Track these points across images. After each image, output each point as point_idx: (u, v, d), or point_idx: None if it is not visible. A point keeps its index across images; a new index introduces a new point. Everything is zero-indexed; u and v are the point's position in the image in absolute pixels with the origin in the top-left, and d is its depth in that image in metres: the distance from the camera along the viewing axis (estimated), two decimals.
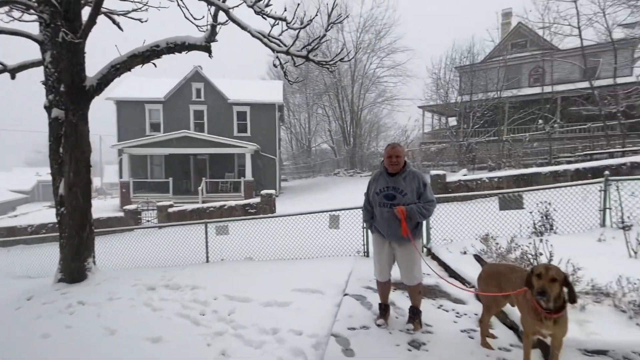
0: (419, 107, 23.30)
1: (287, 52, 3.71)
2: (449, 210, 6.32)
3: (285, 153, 38.02)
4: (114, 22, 6.00)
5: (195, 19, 4.04)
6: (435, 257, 4.96)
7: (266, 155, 19.74)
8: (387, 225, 2.93)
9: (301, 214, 6.44)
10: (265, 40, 3.80)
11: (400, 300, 3.59)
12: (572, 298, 2.01)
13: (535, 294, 2.04)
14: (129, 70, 4.71)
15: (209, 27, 4.27)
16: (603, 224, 4.72)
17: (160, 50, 4.52)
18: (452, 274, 4.30)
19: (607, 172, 4.87)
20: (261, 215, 8.29)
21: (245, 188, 17.25)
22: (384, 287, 3.18)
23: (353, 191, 15.44)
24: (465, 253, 4.56)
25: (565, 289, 2.03)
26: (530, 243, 3.70)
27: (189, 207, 12.31)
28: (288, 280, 4.64)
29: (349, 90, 27.65)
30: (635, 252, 3.53)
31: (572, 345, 2.38)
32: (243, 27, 3.78)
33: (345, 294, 3.92)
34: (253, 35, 3.78)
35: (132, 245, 7.04)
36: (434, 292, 3.85)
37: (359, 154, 27.42)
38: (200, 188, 16.82)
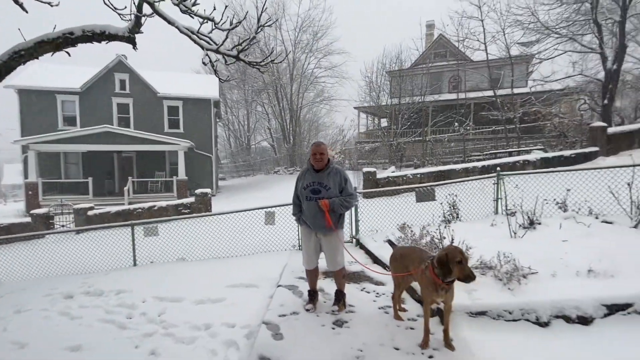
0: (355, 108, 24.46)
1: (217, 51, 3.74)
2: (377, 204, 6.90)
3: (224, 151, 36.73)
4: (15, 1, 5.32)
5: (116, 8, 3.84)
6: (362, 247, 5.43)
7: (201, 153, 18.92)
8: (313, 217, 3.19)
9: (236, 211, 6.45)
10: (194, 37, 3.78)
11: (329, 287, 3.90)
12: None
13: (457, 275, 2.41)
14: (36, 58, 4.26)
15: (132, 17, 4.08)
16: (496, 212, 5.65)
17: (75, 39, 4.15)
18: (376, 260, 4.78)
19: (498, 168, 5.83)
20: (194, 215, 8.04)
21: (178, 187, 16.36)
22: (312, 274, 3.46)
23: (293, 189, 15.65)
24: (387, 241, 5.07)
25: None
26: (436, 230, 4.31)
27: (113, 209, 11.31)
28: (223, 277, 4.66)
29: (288, 88, 27.78)
30: (515, 233, 4.35)
31: (461, 310, 2.91)
32: (170, 22, 3.71)
33: (279, 286, 4.11)
34: (181, 31, 3.73)
35: (44, 253, 6.31)
36: (359, 277, 4.26)
37: (299, 152, 27.74)
38: (126, 188, 15.49)
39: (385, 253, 4.64)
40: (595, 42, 13.72)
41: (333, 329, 2.98)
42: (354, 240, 5.78)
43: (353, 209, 5.87)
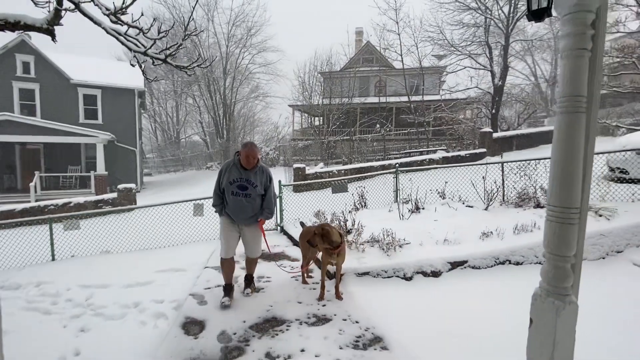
0: (289, 105, 25.09)
1: (145, 54, 4.04)
2: (304, 197, 7.69)
3: (149, 144, 34.34)
4: None
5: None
6: (285, 233, 6.14)
7: (124, 147, 17.71)
8: (239, 211, 3.41)
9: (165, 204, 6.64)
10: (121, 38, 4.03)
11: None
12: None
13: (326, 241, 3.25)
14: None
15: (51, 8, 4.14)
16: (395, 200, 6.84)
17: None
18: (295, 243, 5.52)
19: (397, 164, 7.05)
20: (126, 207, 7.87)
21: (97, 183, 15.18)
22: (229, 265, 3.55)
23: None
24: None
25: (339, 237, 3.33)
26: (344, 215, 5.21)
27: (19, 206, 10.23)
28: (151, 265, 4.94)
29: (221, 82, 27.19)
30: (403, 216, 5.47)
31: (351, 272, 3.80)
32: (97, 23, 3.89)
33: (206, 267, 4.59)
34: (108, 32, 3.93)
35: None
36: (278, 256, 4.95)
37: (234, 148, 27.41)
38: (32, 184, 13.89)
39: None
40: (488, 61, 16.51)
41: (257, 290, 3.63)
42: (279, 227, 6.46)
43: (278, 200, 6.53)
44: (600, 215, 4.75)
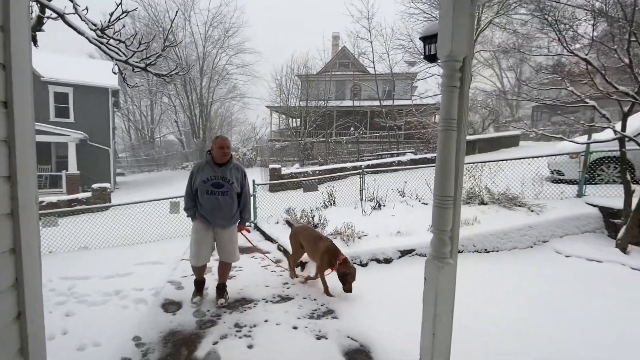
0: (267, 107, 25.37)
1: (126, 62, 4.39)
2: (278, 196, 8.16)
3: (122, 143, 33.51)
4: None
5: None
6: (258, 229, 6.58)
7: (97, 146, 17.41)
8: (216, 211, 3.18)
9: (139, 202, 6.90)
10: (103, 47, 4.36)
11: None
12: None
13: None
14: None
15: (34, 15, 4.40)
16: (362, 199, 7.43)
17: None
18: (268, 237, 5.98)
19: (363, 166, 7.65)
20: (97, 205, 8.01)
21: (69, 183, 14.91)
22: (202, 268, 3.42)
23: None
24: (277, 223, 6.33)
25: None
26: (313, 212, 5.73)
27: None
28: (130, 259, 5.25)
29: (198, 82, 27.09)
30: (365, 212, 6.05)
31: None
32: (80, 32, 4.22)
33: (182, 260, 4.96)
34: (90, 42, 4.27)
35: None
36: (251, 250, 5.38)
37: (210, 148, 27.34)
38: None
39: (275, 231, 5.89)
40: None
41: (230, 278, 4.05)
42: (253, 224, 6.88)
43: (252, 199, 6.96)
44: (532, 211, 5.52)
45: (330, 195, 7.17)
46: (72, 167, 15.21)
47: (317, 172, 12.58)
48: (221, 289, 3.45)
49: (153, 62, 4.37)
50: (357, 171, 7.93)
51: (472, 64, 1.91)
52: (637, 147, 4.59)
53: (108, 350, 2.74)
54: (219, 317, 3.06)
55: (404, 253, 4.60)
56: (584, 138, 5.92)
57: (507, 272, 4.35)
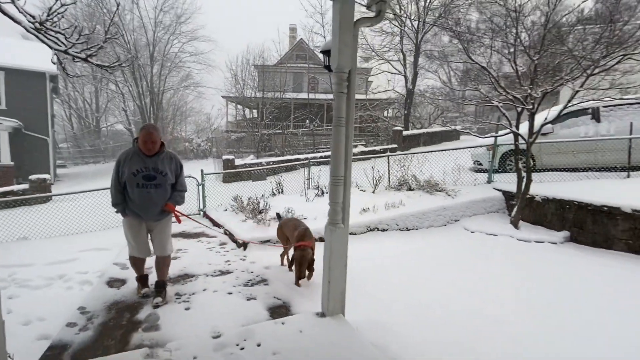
0: (223, 97, 24.98)
1: (65, 52, 4.45)
2: (231, 186, 8.44)
3: (63, 133, 31.03)
4: None
5: None
6: (207, 216, 6.88)
7: (34, 135, 16.16)
8: (148, 206, 2.96)
9: (83, 192, 6.86)
10: (41, 36, 4.39)
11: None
12: None
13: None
14: None
15: None
16: (309, 187, 7.99)
17: None
18: (215, 224, 6.32)
19: (308, 159, 8.20)
20: (37, 195, 7.71)
21: (1, 175, 13.80)
22: (141, 260, 3.27)
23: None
24: (225, 210, 6.68)
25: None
26: (255, 198, 6.16)
27: None
28: (75, 247, 5.31)
29: (148, 69, 25.83)
30: (308, 199, 6.62)
31: (256, 240, 4.77)
32: (17, 21, 4.22)
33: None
34: (28, 31, 4.28)
35: None
36: (198, 235, 5.70)
37: (162, 138, 26.30)
38: None
39: (223, 218, 6.24)
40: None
41: (174, 258, 4.37)
42: (202, 212, 7.15)
43: (200, 188, 7.21)
44: (449, 195, 6.43)
45: (279, 184, 7.63)
46: (5, 158, 14.06)
47: (271, 162, 12.93)
48: (160, 286, 3.23)
49: (94, 53, 4.48)
50: (306, 162, 8.47)
51: (356, 76, 2.48)
52: (540, 141, 5.59)
53: (53, 321, 2.99)
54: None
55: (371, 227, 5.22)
56: (504, 132, 6.95)
57: (421, 244, 5.15)
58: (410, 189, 6.80)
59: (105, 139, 29.88)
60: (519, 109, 5.63)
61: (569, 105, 4.74)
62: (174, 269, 3.98)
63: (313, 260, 3.49)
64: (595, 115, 7.04)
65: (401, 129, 16.13)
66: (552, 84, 4.78)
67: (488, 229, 5.65)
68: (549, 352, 2.42)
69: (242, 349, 2.08)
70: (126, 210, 3.02)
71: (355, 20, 2.35)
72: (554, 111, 5.75)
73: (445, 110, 23.38)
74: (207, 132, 26.16)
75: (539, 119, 5.70)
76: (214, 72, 29.05)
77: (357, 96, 22.21)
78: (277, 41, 36.71)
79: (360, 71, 23.30)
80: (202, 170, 7.24)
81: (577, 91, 4.34)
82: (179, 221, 3.23)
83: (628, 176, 6.16)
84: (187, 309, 2.98)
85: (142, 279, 3.33)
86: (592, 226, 5.07)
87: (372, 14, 2.41)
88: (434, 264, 4.27)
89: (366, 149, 14.88)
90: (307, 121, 19.14)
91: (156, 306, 3.03)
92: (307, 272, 3.54)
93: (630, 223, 4.64)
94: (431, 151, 7.85)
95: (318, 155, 14.01)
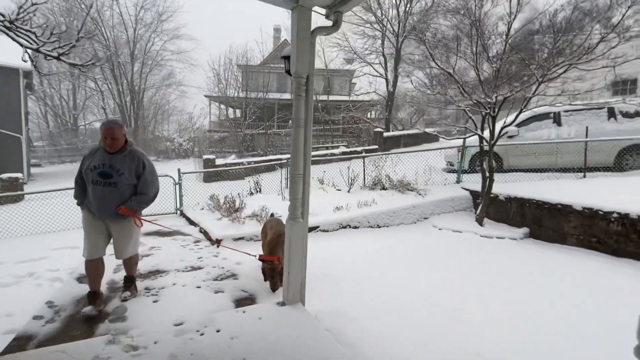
0: (205, 96, 24.78)
1: (37, 50, 4.45)
2: (212, 185, 8.50)
3: (38, 131, 30.04)
4: None
5: None
6: (184, 215, 6.93)
7: (6, 133, 15.68)
8: (99, 204, 2.83)
9: (56, 190, 6.80)
10: (11, 34, 4.37)
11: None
12: None
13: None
14: None
15: None
16: (286, 186, 8.14)
17: None
18: (192, 222, 6.38)
19: (285, 160, 8.34)
20: (7, 194, 7.56)
21: None
22: (96, 268, 2.99)
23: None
24: (202, 209, 6.75)
25: None
26: (232, 197, 6.27)
27: None
28: (46, 245, 5.29)
29: (128, 67, 25.36)
30: (285, 197, 6.77)
31: (229, 237, 4.89)
32: None
33: None
34: None
35: None
36: (173, 233, 5.76)
37: (143, 137, 25.92)
38: None
39: (200, 217, 6.30)
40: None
41: (147, 255, 4.45)
42: (179, 211, 7.19)
43: (177, 187, 7.25)
44: (420, 194, 6.71)
45: (257, 183, 7.75)
46: None
47: (252, 162, 13.01)
48: (129, 281, 3.20)
49: (67, 52, 4.50)
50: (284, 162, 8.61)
51: (313, 80, 2.66)
52: (504, 144, 5.93)
53: (21, 316, 3.04)
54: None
55: (309, 230, 5.37)
56: (469, 135, 7.29)
57: (390, 241, 5.38)
58: (383, 188, 7.05)
59: (84, 138, 29.07)
60: (483, 113, 5.97)
61: (524, 109, 5.08)
62: (145, 266, 4.07)
63: (282, 270, 3.17)
64: (557, 119, 7.48)
65: (382, 130, 16.48)
66: (511, 90, 5.11)
67: (455, 226, 5.95)
68: (498, 336, 2.64)
69: (202, 334, 2.22)
70: (84, 204, 2.94)
71: (312, 29, 2.53)
72: (511, 116, 6.12)
73: (425, 112, 23.99)
74: (190, 131, 25.89)
75: (502, 123, 6.05)
76: (197, 71, 28.78)
77: (341, 98, 22.55)
78: (260, 42, 36.68)
79: (343, 73, 23.65)
80: (179, 170, 7.28)
81: (530, 98, 4.67)
82: (137, 225, 3.02)
83: (584, 177, 6.60)
84: (155, 301, 3.09)
85: (94, 295, 2.93)
86: (548, 223, 5.43)
87: (329, 24, 2.59)
88: (399, 259, 4.50)
89: (347, 150, 15.13)
90: (290, 121, 19.25)
91: (124, 300, 3.06)
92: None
93: (581, 220, 5.01)
94: (404, 152, 8.15)
95: (314, 153, 14.20)
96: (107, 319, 2.76)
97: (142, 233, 3.73)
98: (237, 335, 2.20)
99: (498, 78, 5.10)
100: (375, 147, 15.75)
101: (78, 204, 3.02)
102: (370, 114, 24.64)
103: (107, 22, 24.09)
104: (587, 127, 6.74)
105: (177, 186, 7.16)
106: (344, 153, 14.61)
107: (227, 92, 21.48)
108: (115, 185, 2.84)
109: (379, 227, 5.88)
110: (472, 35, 5.30)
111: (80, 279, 3.71)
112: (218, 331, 2.26)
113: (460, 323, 2.81)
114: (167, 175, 7.23)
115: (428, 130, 8.41)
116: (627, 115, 7.08)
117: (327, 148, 17.35)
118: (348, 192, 7.17)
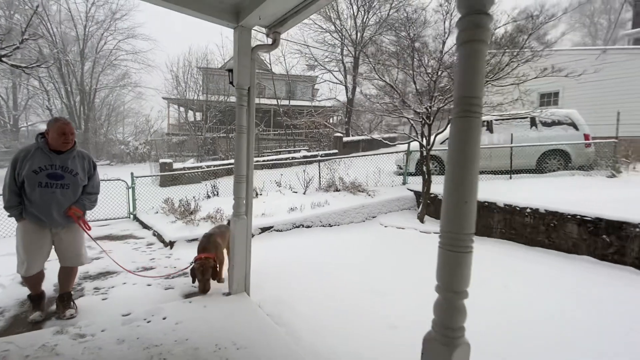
0: (163, 98, 24.03)
1: None
2: (168, 190, 8.41)
3: None
4: None
5: None
6: (137, 219, 6.87)
7: None
8: (52, 207, 2.63)
9: None
10: None
11: None
12: None
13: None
14: None
15: None
16: None
17: None
18: (145, 226, 6.37)
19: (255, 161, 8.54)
20: None
21: None
22: (38, 277, 2.80)
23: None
24: (157, 213, 6.75)
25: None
26: (186, 200, 6.36)
27: None
28: None
29: (78, 66, 23.93)
30: None
31: (183, 239, 5.01)
32: None
33: None
34: None
35: None
36: (125, 237, 5.74)
37: (94, 140, 24.51)
38: None
39: (153, 221, 6.29)
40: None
41: (97, 258, 4.45)
42: (132, 215, 7.11)
43: (130, 191, 7.16)
44: (369, 195, 7.22)
45: (214, 187, 7.85)
46: None
47: (212, 166, 12.95)
48: (67, 299, 2.89)
49: (9, 54, 4.43)
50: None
51: (255, 92, 2.98)
52: (444, 149, 6.54)
53: None
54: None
55: (264, 230, 5.66)
56: (409, 141, 7.96)
57: (340, 237, 5.80)
58: (337, 190, 7.49)
59: (26, 140, 26.82)
60: (422, 122, 6.62)
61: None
62: (95, 268, 4.10)
63: (216, 267, 3.25)
64: (489, 127, 8.41)
65: (341, 135, 17.09)
66: (444, 102, 5.77)
67: (399, 224, 6.51)
68: (414, 313, 3.08)
69: (148, 322, 2.42)
70: (23, 213, 2.61)
71: (253, 46, 2.84)
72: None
73: (383, 119, 25.10)
74: (147, 134, 24.90)
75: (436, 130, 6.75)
76: (154, 72, 27.84)
77: (302, 103, 22.98)
78: (220, 45, 36.20)
79: (304, 79, 24.13)
80: (132, 173, 7.19)
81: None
82: (84, 229, 2.86)
83: (510, 178, 7.49)
84: (104, 299, 3.20)
85: (37, 298, 2.81)
86: (478, 218, 6.14)
87: (270, 42, 2.93)
88: (344, 254, 4.91)
89: (308, 154, 15.53)
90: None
91: (71, 317, 2.76)
92: (222, 277, 3.49)
93: (503, 215, 5.76)
94: (357, 156, 8.68)
95: (262, 159, 14.33)
96: (54, 316, 2.84)
97: (94, 236, 3.53)
98: (181, 321, 2.43)
99: (432, 90, 5.74)
100: (336, 151, 16.30)
101: (11, 215, 2.64)
102: (332, 119, 25.32)
103: (53, 17, 22.62)
104: (511, 134, 7.68)
105: (130, 190, 7.08)
106: (305, 157, 14.99)
107: (187, 94, 21.06)
108: (68, 187, 2.68)
109: (331, 226, 6.28)
110: (412, 51, 5.91)
111: (22, 283, 3.67)
112: (164, 318, 2.47)
113: (385, 304, 3.24)
114: (119, 179, 7.13)
115: (375, 136, 9.11)
116: (546, 124, 8.16)
117: (289, 152, 17.64)
118: (304, 194, 7.52)
